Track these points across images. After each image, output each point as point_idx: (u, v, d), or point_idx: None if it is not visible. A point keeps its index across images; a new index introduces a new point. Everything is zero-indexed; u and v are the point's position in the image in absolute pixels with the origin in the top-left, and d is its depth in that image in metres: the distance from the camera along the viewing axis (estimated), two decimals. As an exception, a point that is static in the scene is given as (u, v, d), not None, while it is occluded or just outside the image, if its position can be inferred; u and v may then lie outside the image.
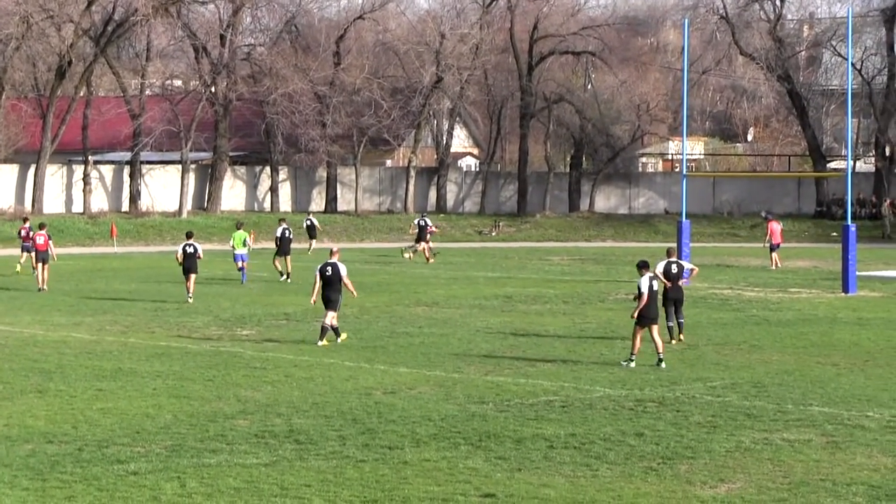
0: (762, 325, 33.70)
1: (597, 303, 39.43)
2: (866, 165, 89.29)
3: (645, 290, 25.98)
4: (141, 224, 76.20)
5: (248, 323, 33.97)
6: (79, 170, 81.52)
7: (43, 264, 43.91)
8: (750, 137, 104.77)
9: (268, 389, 23.19)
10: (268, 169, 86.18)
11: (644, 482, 16.35)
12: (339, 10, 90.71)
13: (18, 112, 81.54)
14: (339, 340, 29.50)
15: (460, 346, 29.35)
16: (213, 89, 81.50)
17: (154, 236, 74.50)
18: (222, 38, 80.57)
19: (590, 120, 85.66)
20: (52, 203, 79.40)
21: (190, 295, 39.39)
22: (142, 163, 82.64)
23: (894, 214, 78.12)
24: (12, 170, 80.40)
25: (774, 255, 54.54)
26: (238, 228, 48.25)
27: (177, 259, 40.69)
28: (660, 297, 27.94)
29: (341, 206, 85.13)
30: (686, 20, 56.16)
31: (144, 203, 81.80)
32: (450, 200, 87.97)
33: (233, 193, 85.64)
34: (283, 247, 48.07)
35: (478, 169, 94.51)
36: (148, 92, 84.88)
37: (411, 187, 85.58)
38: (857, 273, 44.45)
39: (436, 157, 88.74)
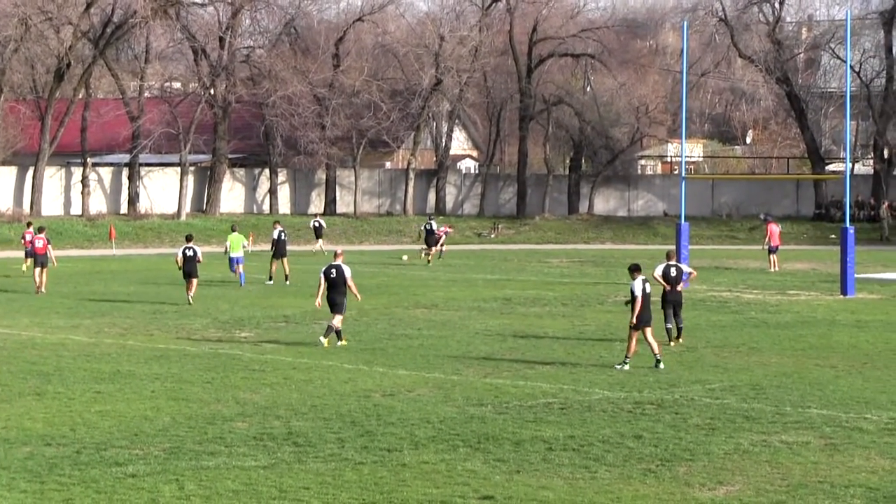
0: (761, 327, 33.70)
1: (596, 305, 39.44)
2: (865, 168, 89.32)
3: (639, 293, 25.99)
4: (140, 226, 76.20)
5: (247, 325, 33.97)
6: (77, 172, 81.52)
7: (42, 268, 43.91)
8: (749, 140, 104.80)
9: (266, 392, 23.18)
10: (267, 171, 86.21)
11: (643, 484, 16.35)
12: (338, 12, 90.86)
13: (17, 114, 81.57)
14: (338, 343, 29.52)
15: (459, 348, 29.35)
16: (212, 91, 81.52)
17: (153, 238, 74.51)
18: (221, 40, 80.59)
19: (589, 122, 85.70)
20: (51, 205, 79.41)
21: (190, 298, 39.43)
22: (140, 165, 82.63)
23: (893, 217, 78.14)
24: (11, 172, 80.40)
25: (773, 257, 54.58)
26: (233, 231, 48.37)
27: (176, 262, 40.71)
28: (656, 299, 27.95)
29: (340, 209, 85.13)
30: (685, 22, 56.21)
31: (143, 205, 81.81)
32: (449, 203, 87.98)
33: (232, 196, 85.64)
34: (279, 249, 48.08)
35: (477, 171, 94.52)
36: (147, 94, 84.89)
37: (410, 189, 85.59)
38: (856, 275, 44.47)
39: (435, 159, 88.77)
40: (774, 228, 55.65)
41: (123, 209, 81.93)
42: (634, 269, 26.57)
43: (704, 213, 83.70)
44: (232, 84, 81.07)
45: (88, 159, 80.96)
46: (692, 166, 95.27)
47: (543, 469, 17.10)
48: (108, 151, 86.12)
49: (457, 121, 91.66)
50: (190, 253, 40.16)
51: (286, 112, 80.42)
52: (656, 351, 26.19)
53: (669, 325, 30.10)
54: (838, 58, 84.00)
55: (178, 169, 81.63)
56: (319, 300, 29.92)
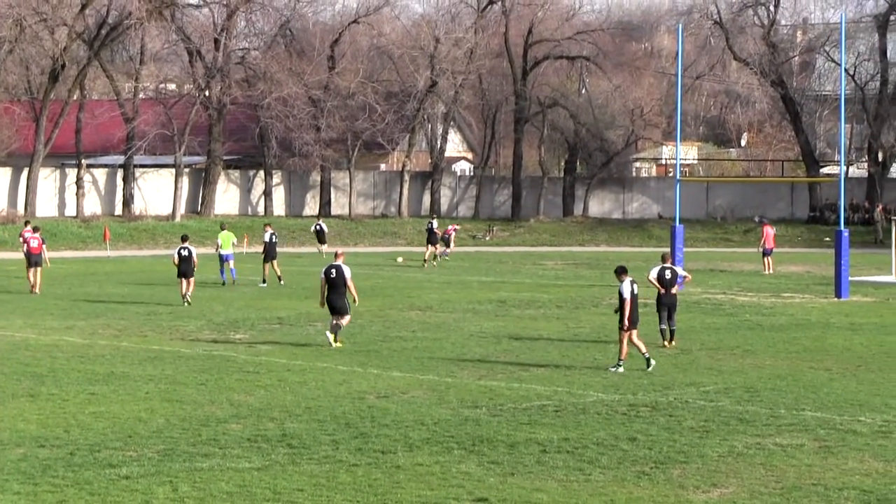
0: (755, 329, 33.72)
1: (590, 307, 39.44)
2: (859, 171, 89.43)
3: (627, 295, 26.01)
4: (134, 228, 76.17)
5: (242, 327, 33.95)
6: (72, 173, 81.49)
7: (36, 267, 43.90)
8: (743, 142, 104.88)
9: (261, 394, 23.17)
10: (261, 173, 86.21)
11: (637, 487, 16.35)
12: (333, 14, 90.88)
13: (11, 115, 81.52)
14: (334, 345, 29.51)
15: (454, 350, 29.34)
16: (207, 93, 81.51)
17: (147, 240, 74.48)
18: (216, 41, 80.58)
19: (584, 125, 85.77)
20: (45, 206, 79.38)
21: (188, 298, 39.54)
22: (135, 166, 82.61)
23: (887, 220, 78.03)
24: (5, 173, 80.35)
25: (768, 259, 54.64)
26: (222, 229, 48.64)
27: (174, 262, 40.86)
28: (644, 301, 27.95)
29: (335, 211, 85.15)
30: (680, 25, 56.23)
31: (138, 207, 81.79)
32: (444, 205, 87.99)
33: (226, 197, 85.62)
34: (269, 252, 48.09)
35: (472, 173, 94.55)
36: (142, 95, 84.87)
37: (405, 192, 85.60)
38: (850, 278, 44.48)
39: (430, 161, 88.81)
40: (769, 231, 55.72)
41: (118, 210, 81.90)
42: (621, 272, 26.60)
43: (699, 215, 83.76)
44: (227, 86, 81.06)
45: (83, 160, 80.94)
46: (687, 169, 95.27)
47: (538, 471, 17.09)
48: (102, 153, 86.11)
49: (452, 123, 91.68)
50: (185, 253, 40.28)
51: (281, 114, 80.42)
52: (644, 350, 26.20)
53: (663, 327, 30.10)
54: (833, 61, 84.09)
55: (173, 170, 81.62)
56: (322, 300, 29.98)
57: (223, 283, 46.51)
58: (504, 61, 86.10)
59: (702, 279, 48.68)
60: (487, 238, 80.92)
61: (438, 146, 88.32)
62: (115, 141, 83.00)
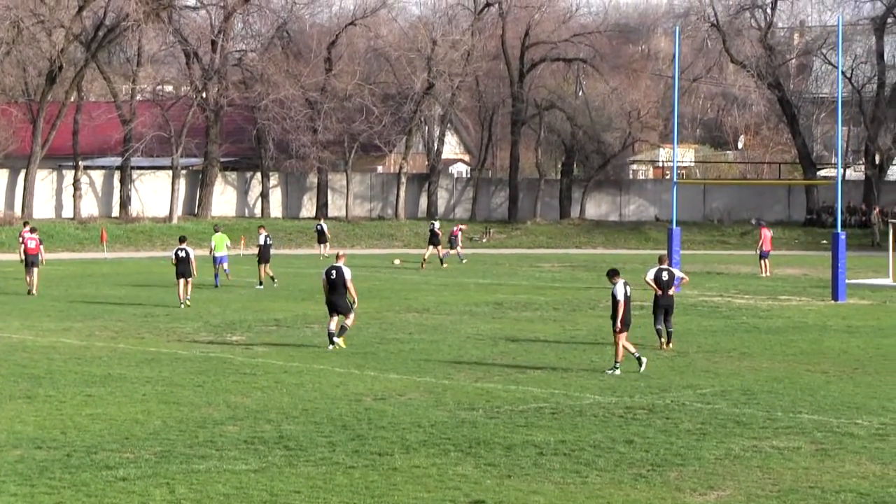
0: (752, 332, 33.72)
1: (587, 310, 39.44)
2: (856, 173, 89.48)
3: (621, 297, 26.03)
4: (131, 230, 76.15)
5: (239, 329, 33.94)
6: (69, 175, 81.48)
7: (32, 268, 43.90)
8: (740, 145, 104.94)
9: (258, 395, 23.16)
10: (258, 175, 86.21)
11: (633, 489, 16.36)
12: (330, 16, 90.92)
13: (9, 117, 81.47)
14: (330, 347, 29.51)
15: (451, 352, 29.34)
16: (204, 95, 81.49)
17: (144, 242, 74.46)
18: (213, 43, 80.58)
19: (581, 127, 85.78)
20: (42, 208, 79.34)
21: (188, 299, 39.65)
22: (132, 168, 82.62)
23: (884, 222, 78.08)
24: (2, 175, 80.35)
25: (765, 262, 54.67)
26: (216, 231, 48.72)
27: (172, 263, 40.93)
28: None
29: (332, 213, 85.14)
30: (677, 28, 56.24)
31: (135, 208, 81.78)
32: (441, 207, 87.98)
33: (223, 199, 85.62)
34: (264, 254, 48.05)
35: (469, 175, 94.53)
36: (139, 97, 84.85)
37: (402, 194, 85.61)
38: (847, 281, 44.51)
39: (427, 163, 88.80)
40: (766, 233, 55.77)
41: (115, 212, 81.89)
42: (613, 274, 26.63)
43: (696, 218, 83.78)
44: (224, 87, 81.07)
45: (80, 162, 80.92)
46: (684, 171, 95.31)
47: (534, 474, 17.09)
48: (99, 154, 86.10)
49: (449, 125, 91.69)
50: (182, 254, 40.33)
51: (278, 116, 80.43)
52: (633, 350, 26.21)
53: (659, 327, 30.16)
54: (830, 63, 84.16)
55: (170, 172, 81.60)
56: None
57: (216, 286, 46.47)
58: (501, 63, 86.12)
59: (699, 282, 48.69)
60: (484, 240, 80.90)
61: (435, 148, 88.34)
62: (113, 143, 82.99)
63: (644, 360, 26.19)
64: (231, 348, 29.92)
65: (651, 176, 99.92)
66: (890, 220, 57.46)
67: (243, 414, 21.26)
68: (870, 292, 46.19)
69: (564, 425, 20.38)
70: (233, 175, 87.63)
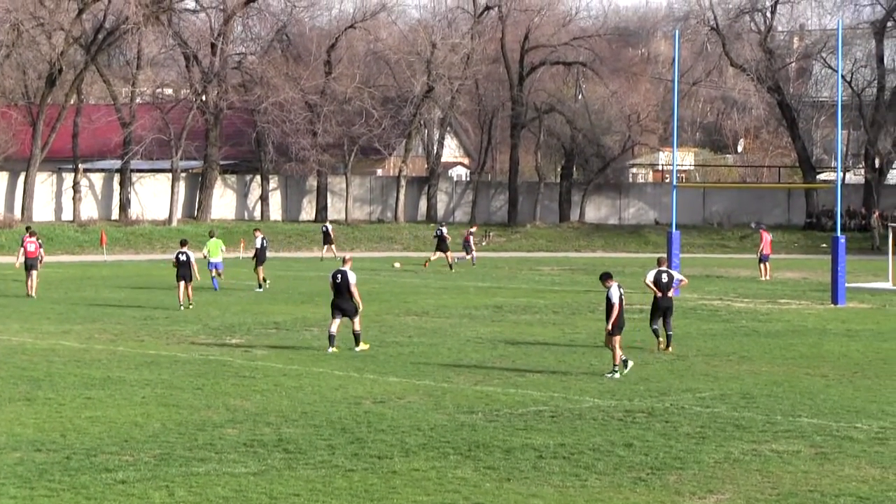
0: (751, 336, 33.72)
1: (586, 313, 39.42)
2: (856, 177, 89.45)
3: (616, 300, 26.04)
4: (131, 232, 76.13)
5: (238, 332, 33.94)
6: (69, 178, 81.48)
7: (31, 271, 43.90)
8: (740, 148, 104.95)
9: (257, 398, 23.16)
10: (258, 178, 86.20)
11: (633, 493, 16.35)
12: (330, 19, 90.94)
13: (8, 119, 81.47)
14: (330, 350, 29.57)
15: (450, 355, 29.34)
16: (203, 98, 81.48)
17: (144, 244, 74.44)
18: (213, 46, 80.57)
19: (580, 130, 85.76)
20: (42, 211, 79.34)
21: (189, 302, 39.72)
22: (132, 171, 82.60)
23: (884, 226, 78.13)
24: (2, 177, 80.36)
25: (765, 265, 54.67)
26: (211, 237, 48.69)
27: (173, 265, 40.95)
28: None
29: (332, 216, 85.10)
30: (677, 31, 56.24)
31: (134, 211, 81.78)
32: (440, 210, 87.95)
33: (223, 202, 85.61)
34: (260, 256, 48.00)
35: (468, 179, 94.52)
36: (138, 100, 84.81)
37: (402, 197, 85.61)
38: (847, 284, 44.52)
39: (426, 166, 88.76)
40: (767, 237, 55.80)
41: (114, 215, 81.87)
42: (606, 277, 26.61)
43: (696, 221, 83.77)
44: (224, 90, 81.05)
45: (80, 165, 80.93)
46: (683, 175, 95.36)
47: (534, 477, 17.09)
48: (99, 157, 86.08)
49: (448, 128, 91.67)
50: (183, 258, 40.35)
51: (278, 119, 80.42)
52: (622, 357, 26.19)
53: (655, 327, 30.25)
54: (830, 67, 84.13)
55: (170, 175, 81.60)
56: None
57: (215, 289, 46.32)
58: (500, 67, 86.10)
59: (698, 285, 48.70)
60: (484, 243, 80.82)
61: (435, 151, 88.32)
62: (112, 145, 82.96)
63: (630, 362, 26.18)
64: (230, 351, 29.91)
65: (651, 179, 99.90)
66: (890, 224, 57.48)
67: (242, 417, 21.26)
68: (869, 296, 46.18)
69: (564, 429, 20.37)
70: (232, 178, 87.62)
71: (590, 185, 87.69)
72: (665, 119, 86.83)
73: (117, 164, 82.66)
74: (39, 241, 46.02)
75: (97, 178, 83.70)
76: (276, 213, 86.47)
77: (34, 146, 77.52)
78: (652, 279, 30.19)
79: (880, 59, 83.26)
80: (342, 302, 29.64)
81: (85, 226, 76.63)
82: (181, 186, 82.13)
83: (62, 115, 79.12)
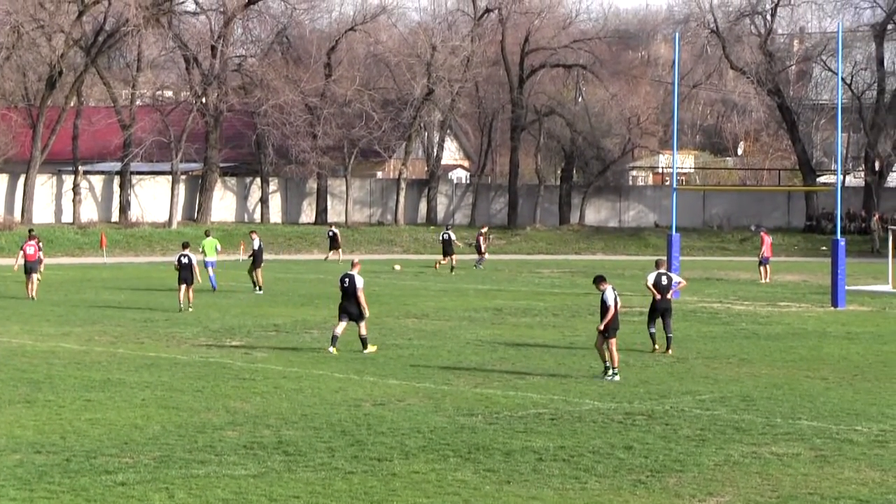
0: (751, 338, 33.72)
1: (586, 316, 39.38)
2: (856, 180, 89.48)
3: (611, 302, 26.04)
4: (131, 235, 76.11)
5: (238, 334, 33.93)
6: (69, 180, 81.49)
7: (31, 274, 43.89)
8: (740, 151, 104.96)
9: (257, 401, 23.15)
10: (258, 180, 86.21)
11: (633, 495, 16.35)
12: (330, 21, 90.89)
13: (8, 122, 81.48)
14: (331, 349, 29.61)
15: (450, 358, 29.33)
16: (203, 100, 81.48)
17: (144, 247, 74.42)
18: (213, 48, 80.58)
19: (580, 133, 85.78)
20: (42, 213, 79.35)
21: (189, 305, 39.70)
22: (132, 173, 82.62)
23: (884, 229, 78.08)
24: (2, 180, 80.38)
25: (765, 268, 54.67)
26: (207, 236, 48.79)
27: (175, 268, 40.98)
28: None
29: (331, 218, 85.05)
30: (677, 34, 56.26)
31: (134, 214, 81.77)
32: (440, 213, 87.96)
33: (223, 204, 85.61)
34: (257, 258, 47.98)
35: (468, 181, 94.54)
36: (138, 102, 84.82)
37: (401, 199, 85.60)
38: (847, 287, 44.50)
39: (426, 169, 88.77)
40: (767, 239, 55.83)
41: (114, 217, 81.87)
42: (601, 280, 26.58)
43: (696, 224, 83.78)
44: (224, 93, 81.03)
45: (80, 167, 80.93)
46: (683, 177, 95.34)
47: (534, 479, 17.09)
48: (99, 159, 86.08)
49: (448, 131, 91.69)
50: (185, 260, 40.37)
51: (278, 121, 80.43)
52: (616, 364, 26.14)
53: (653, 330, 30.34)
54: (830, 70, 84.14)
55: (170, 177, 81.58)
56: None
57: (213, 289, 46.33)
58: (500, 69, 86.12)
59: (698, 288, 48.70)
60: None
61: (435, 154, 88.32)
62: (112, 148, 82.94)
63: (618, 377, 26.04)
64: (230, 353, 29.91)
65: (650, 182, 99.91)
66: (889, 227, 57.45)
67: (242, 419, 21.25)
68: (869, 299, 46.18)
69: (564, 431, 20.37)
70: (232, 180, 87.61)
71: (590, 187, 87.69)
72: (665, 122, 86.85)
73: (117, 166, 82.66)
74: (40, 244, 46.01)
75: (97, 181, 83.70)
76: (276, 215, 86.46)
77: (34, 148, 77.53)
78: (652, 282, 30.27)
79: (880, 62, 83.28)
80: (350, 305, 29.68)
81: (85, 228, 76.63)
82: (181, 189, 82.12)
83: (62, 117, 79.14)
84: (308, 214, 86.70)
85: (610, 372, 26.08)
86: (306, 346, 31.30)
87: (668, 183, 77.98)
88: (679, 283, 32.41)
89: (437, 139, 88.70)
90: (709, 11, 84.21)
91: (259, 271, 47.43)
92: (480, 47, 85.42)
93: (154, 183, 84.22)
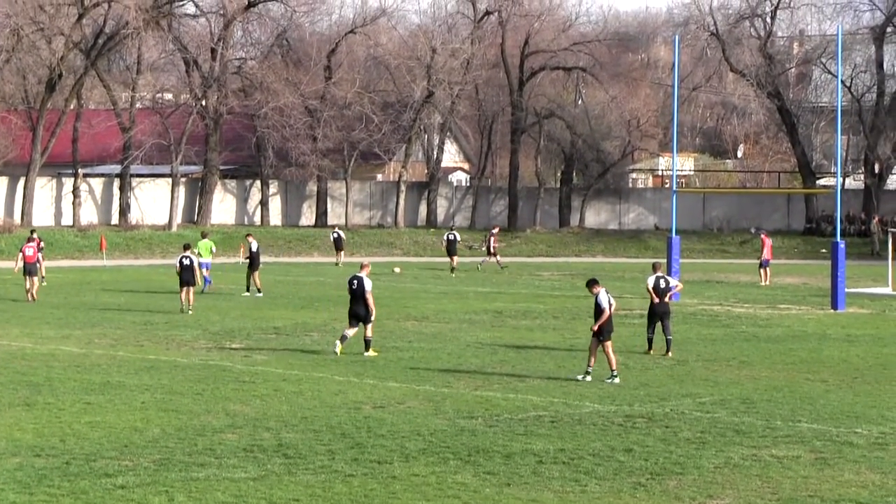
0: (751, 341, 33.72)
1: (586, 318, 39.23)
2: (856, 182, 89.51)
3: (605, 305, 26.04)
4: (130, 237, 76.11)
5: (238, 336, 33.92)
6: (68, 182, 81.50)
7: (30, 276, 43.88)
8: (740, 154, 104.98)
9: (257, 403, 23.15)
10: (258, 183, 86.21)
11: (633, 498, 16.34)
12: (330, 24, 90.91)
13: (8, 124, 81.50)
14: (336, 349, 29.63)
15: (450, 360, 29.33)
16: (203, 103, 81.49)
17: (143, 250, 74.41)
18: (213, 51, 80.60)
19: (580, 135, 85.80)
20: (42, 216, 79.36)
21: (189, 307, 39.72)
22: (132, 176, 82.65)
23: (883, 231, 78.10)
24: (1, 182, 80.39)
25: (765, 270, 54.66)
26: (203, 238, 48.86)
27: (177, 271, 40.99)
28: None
29: (331, 221, 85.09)
30: (677, 37, 56.28)
31: (134, 216, 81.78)
32: (440, 215, 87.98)
33: (223, 207, 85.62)
34: (254, 261, 47.93)
35: (468, 184, 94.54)
36: (138, 105, 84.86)
37: (401, 202, 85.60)
38: (846, 290, 44.49)
39: (426, 171, 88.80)
40: (768, 241, 55.84)
41: (114, 220, 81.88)
42: (594, 283, 26.55)
43: (695, 226, 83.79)
44: (224, 95, 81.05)
45: (80, 170, 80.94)
46: (683, 180, 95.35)
47: (534, 482, 17.08)
48: (99, 162, 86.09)
49: (448, 133, 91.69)
50: (187, 262, 40.41)
51: (278, 124, 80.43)
52: (614, 366, 26.12)
53: (651, 335, 30.36)
54: (829, 72, 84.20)
55: (170, 180, 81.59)
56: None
57: (202, 291, 46.18)
58: (500, 72, 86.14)
59: (698, 290, 48.70)
60: (483, 249, 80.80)
61: (435, 156, 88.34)
62: (112, 150, 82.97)
63: (590, 378, 26.05)
64: (230, 356, 29.90)
65: (650, 184, 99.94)
66: (889, 229, 57.47)
67: (242, 422, 21.25)
68: (869, 301, 46.19)
69: (564, 434, 20.36)
70: (232, 183, 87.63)
71: (590, 190, 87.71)
72: (665, 124, 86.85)
73: (117, 168, 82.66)
74: (41, 244, 45.95)
75: (97, 183, 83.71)
76: (275, 218, 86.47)
77: (34, 151, 77.54)
78: (652, 285, 30.37)
79: (880, 65, 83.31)
80: (359, 309, 29.68)
81: (85, 231, 76.62)
82: (181, 191, 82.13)
83: (62, 119, 79.15)
84: (308, 217, 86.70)
85: (607, 376, 26.08)
86: (306, 348, 31.30)
87: (667, 185, 78.00)
88: (675, 286, 32.43)
89: (437, 142, 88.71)
90: (708, 14, 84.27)
91: (256, 274, 47.36)
92: (480, 50, 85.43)
93: (154, 185, 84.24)
